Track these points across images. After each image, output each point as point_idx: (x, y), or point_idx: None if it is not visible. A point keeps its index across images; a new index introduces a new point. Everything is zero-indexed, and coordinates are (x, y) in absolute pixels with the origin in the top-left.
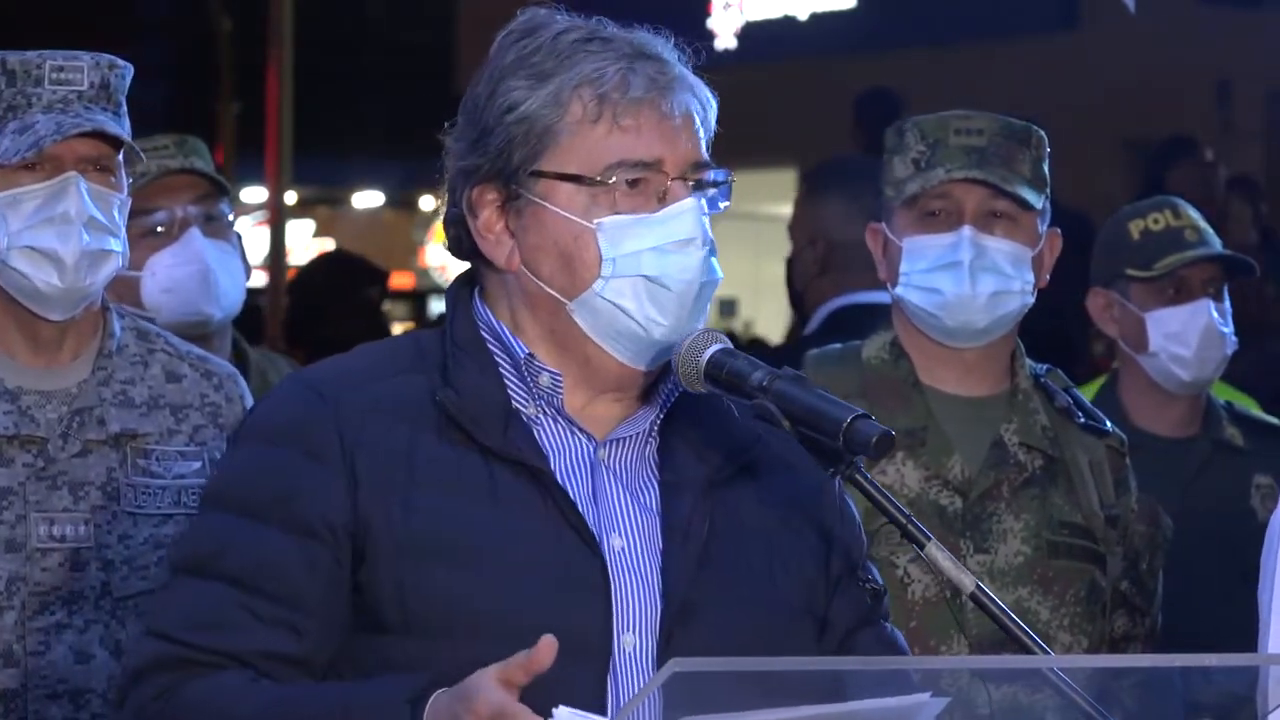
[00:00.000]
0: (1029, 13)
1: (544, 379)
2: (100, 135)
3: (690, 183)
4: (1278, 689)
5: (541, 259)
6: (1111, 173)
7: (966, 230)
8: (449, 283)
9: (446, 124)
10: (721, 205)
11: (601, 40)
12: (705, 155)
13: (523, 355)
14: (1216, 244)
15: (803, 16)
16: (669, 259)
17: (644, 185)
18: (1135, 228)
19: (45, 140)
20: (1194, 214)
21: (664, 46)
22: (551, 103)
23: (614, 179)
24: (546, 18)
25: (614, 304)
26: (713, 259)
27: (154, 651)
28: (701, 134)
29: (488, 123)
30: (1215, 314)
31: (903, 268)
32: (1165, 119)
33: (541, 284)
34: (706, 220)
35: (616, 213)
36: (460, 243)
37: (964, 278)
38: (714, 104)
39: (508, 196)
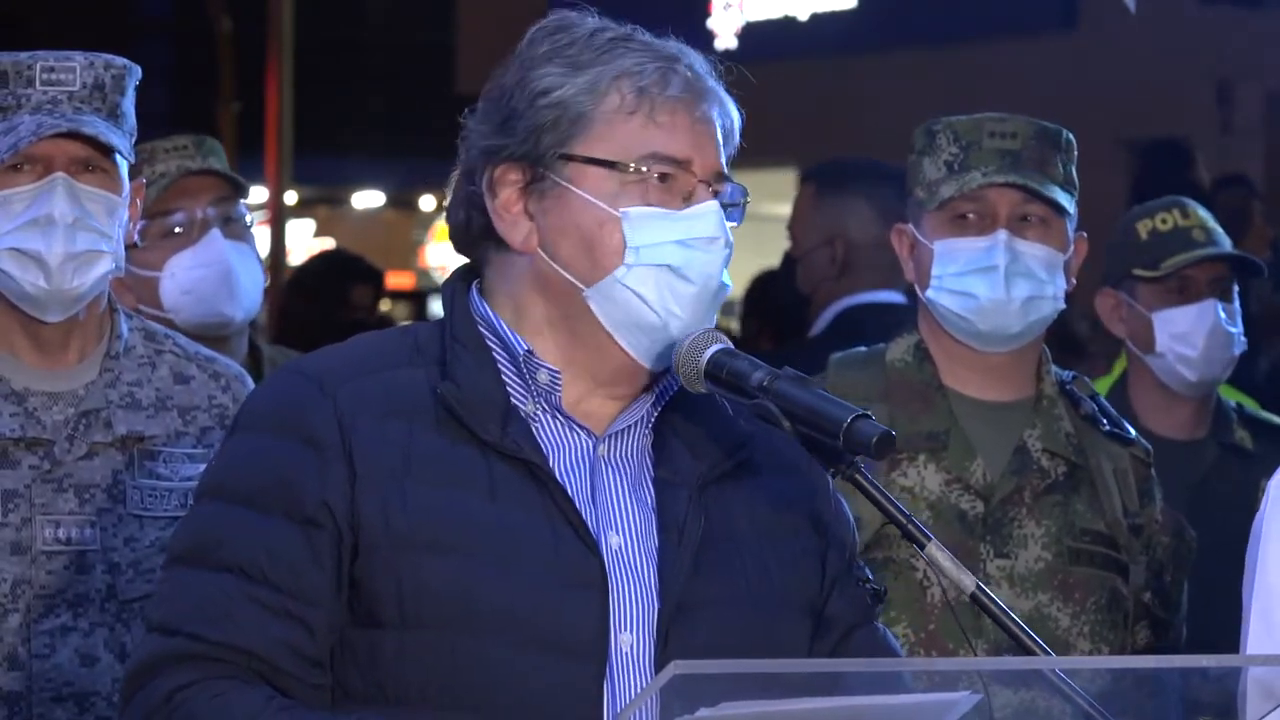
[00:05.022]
0: (1029, 13)
1: (542, 376)
2: (79, 136)
3: (712, 190)
4: (1258, 688)
5: (561, 242)
6: (1111, 173)
7: (1001, 234)
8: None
9: (466, 109)
10: (730, 225)
11: (639, 41)
12: (726, 169)
13: (522, 351)
14: (1226, 244)
15: (803, 16)
16: (692, 253)
17: (671, 183)
18: (1143, 228)
19: (23, 141)
20: (1203, 213)
21: (697, 58)
22: (588, 90)
23: (647, 169)
24: (580, 17)
25: (634, 292)
26: (725, 269)
27: (159, 648)
28: (724, 149)
29: (517, 106)
30: (1222, 314)
31: (934, 271)
32: (1165, 119)
33: (558, 268)
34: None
35: (645, 204)
36: (469, 225)
37: (999, 282)
38: (739, 122)
39: (532, 178)
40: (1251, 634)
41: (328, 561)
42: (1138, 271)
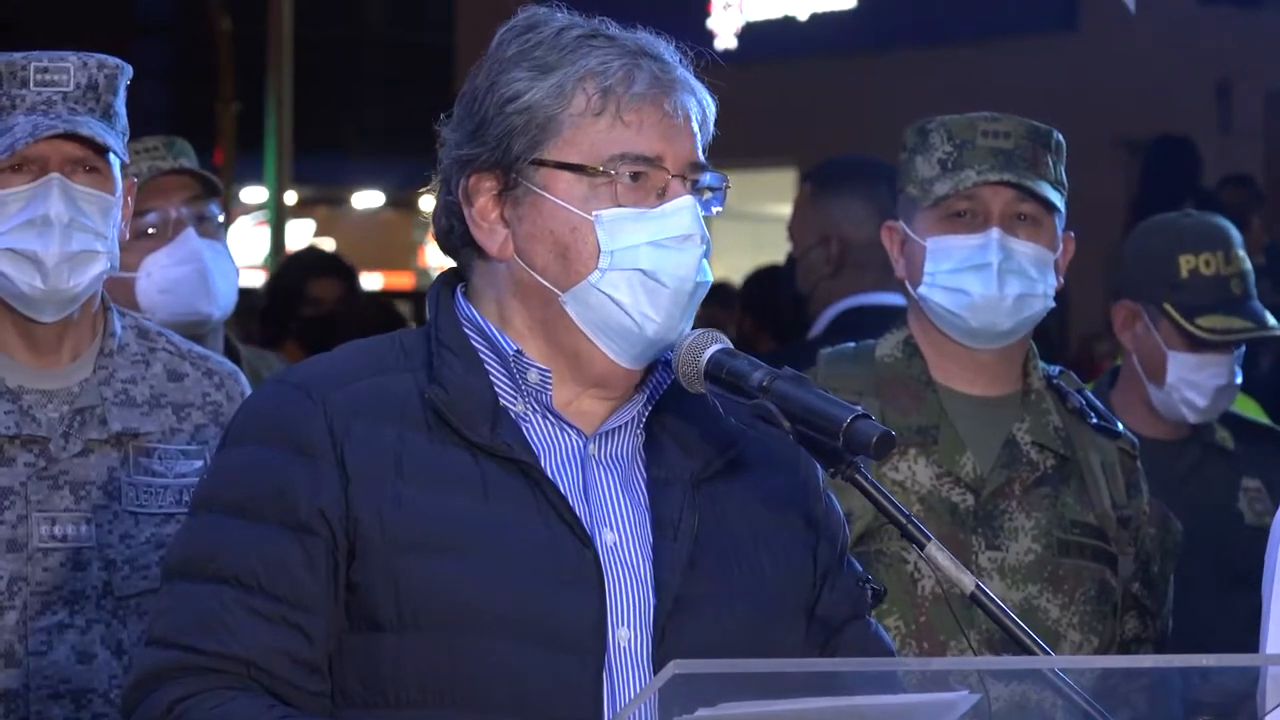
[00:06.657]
0: (1029, 13)
1: (532, 375)
2: (74, 136)
3: (688, 182)
4: (1276, 687)
5: (536, 249)
6: (1111, 173)
7: (995, 232)
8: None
9: (443, 115)
10: (714, 210)
11: (605, 37)
12: (702, 158)
13: (511, 352)
14: (1256, 303)
15: (803, 16)
16: (666, 254)
17: (644, 180)
18: (1185, 264)
19: (19, 143)
20: (1243, 255)
21: (665, 48)
22: (554, 94)
23: (616, 170)
24: (548, 15)
25: (608, 296)
26: (705, 261)
27: (159, 660)
28: (699, 136)
29: (487, 113)
30: (1237, 368)
31: (927, 268)
32: (1165, 119)
33: (534, 274)
34: (703, 220)
35: (616, 205)
36: (450, 233)
37: (992, 279)
38: (713, 108)
39: (505, 185)
40: (1272, 634)
41: (323, 568)
42: (1169, 309)
